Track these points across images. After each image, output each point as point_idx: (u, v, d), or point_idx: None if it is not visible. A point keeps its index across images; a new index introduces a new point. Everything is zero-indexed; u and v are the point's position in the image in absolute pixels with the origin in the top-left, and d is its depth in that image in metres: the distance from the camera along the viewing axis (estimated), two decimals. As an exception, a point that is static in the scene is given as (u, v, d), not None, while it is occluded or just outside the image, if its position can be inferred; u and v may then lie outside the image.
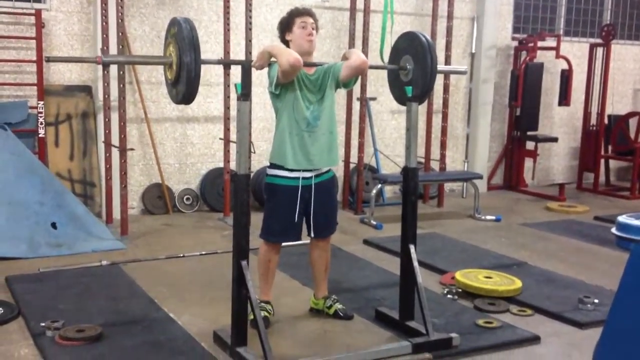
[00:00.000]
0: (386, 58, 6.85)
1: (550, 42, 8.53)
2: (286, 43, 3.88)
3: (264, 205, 4.03)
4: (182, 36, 3.21)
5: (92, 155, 6.60)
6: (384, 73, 7.77)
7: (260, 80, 7.11)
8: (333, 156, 3.95)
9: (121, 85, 5.77)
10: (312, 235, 3.99)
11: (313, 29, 3.83)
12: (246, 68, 3.40)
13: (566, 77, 8.44)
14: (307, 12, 3.86)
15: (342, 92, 7.52)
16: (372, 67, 3.98)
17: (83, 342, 3.61)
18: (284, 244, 4.08)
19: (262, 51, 3.66)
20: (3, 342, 3.66)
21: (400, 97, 4.06)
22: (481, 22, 8.31)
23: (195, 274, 4.99)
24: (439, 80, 7.67)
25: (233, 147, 5.39)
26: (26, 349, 3.61)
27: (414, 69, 3.91)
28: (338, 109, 7.54)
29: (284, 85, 3.72)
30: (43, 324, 3.74)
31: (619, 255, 5.66)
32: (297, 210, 3.85)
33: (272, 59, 3.64)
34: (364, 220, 6.81)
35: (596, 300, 4.30)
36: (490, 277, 4.69)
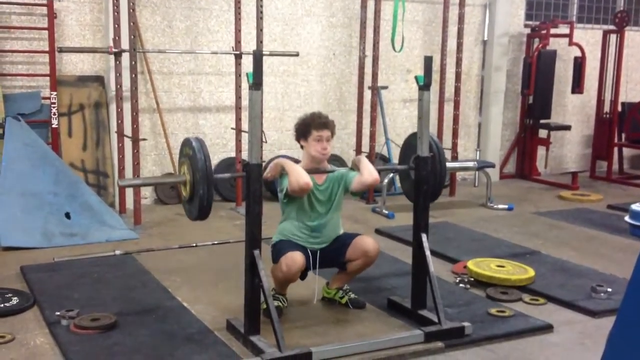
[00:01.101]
0: (397, 46, 6.88)
1: (563, 29, 8.46)
2: (300, 145, 3.95)
3: (273, 259, 3.91)
4: (197, 166, 3.34)
5: (104, 145, 6.63)
6: (395, 62, 7.82)
7: (272, 69, 7.14)
8: (335, 233, 4.01)
9: (133, 76, 5.79)
10: (344, 259, 3.98)
11: (328, 141, 3.87)
12: (257, 57, 3.39)
13: (579, 65, 8.38)
14: (325, 126, 3.87)
15: (353, 81, 7.51)
16: (380, 170, 4.01)
17: (98, 330, 3.64)
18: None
19: (277, 163, 3.79)
20: (19, 331, 3.70)
21: (411, 194, 4.06)
22: (493, 9, 8.25)
23: (208, 264, 5.02)
24: (451, 68, 7.65)
25: (245, 137, 5.40)
26: (42, 337, 3.65)
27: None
28: (349, 97, 7.57)
29: (293, 197, 3.81)
30: (58, 313, 3.78)
31: (632, 243, 5.64)
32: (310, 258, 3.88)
33: (284, 172, 3.74)
34: (375, 209, 6.81)
35: (609, 289, 4.29)
36: (502, 266, 4.69)
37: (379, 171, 3.91)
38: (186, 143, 3.48)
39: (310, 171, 3.77)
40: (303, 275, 3.92)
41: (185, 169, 3.47)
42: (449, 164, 3.99)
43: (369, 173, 3.83)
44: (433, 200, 4.03)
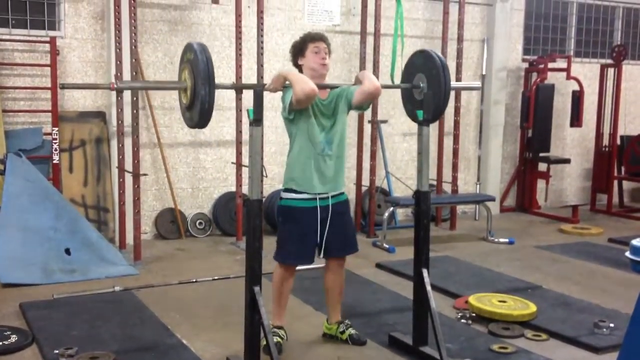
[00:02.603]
0: (397, 81, 6.92)
1: (561, 63, 8.54)
2: (299, 67, 3.91)
3: (278, 229, 4.03)
4: (198, 68, 3.23)
5: (105, 180, 6.64)
6: (395, 96, 7.84)
7: (272, 104, 7.17)
8: (341, 180, 3.97)
9: (134, 111, 5.82)
10: (326, 255, 3.97)
11: (326, 53, 3.86)
12: (258, 93, 3.41)
13: (577, 98, 8.44)
14: (320, 37, 3.89)
15: (353, 115, 7.54)
16: (385, 87, 3.97)
17: (96, 369, 3.61)
18: (298, 267, 4.07)
19: (278, 75, 3.67)
20: (17, 369, 3.67)
21: (414, 114, 4.02)
22: (491, 44, 8.33)
23: (207, 299, 4.99)
24: (450, 102, 7.66)
25: (245, 171, 5.43)
26: (40, 376, 3.61)
27: (427, 87, 3.92)
28: (349, 132, 7.58)
29: (298, 111, 3.74)
30: (57, 351, 3.75)
31: (634, 277, 5.60)
32: (316, 230, 3.85)
33: (287, 83, 3.65)
34: (376, 243, 6.79)
35: (612, 325, 4.26)
36: (504, 301, 4.66)
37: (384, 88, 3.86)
38: (188, 48, 3.37)
39: None
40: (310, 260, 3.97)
41: (186, 74, 3.35)
42: (452, 84, 3.92)
43: (369, 82, 3.77)
44: (433, 120, 3.99)
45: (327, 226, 3.88)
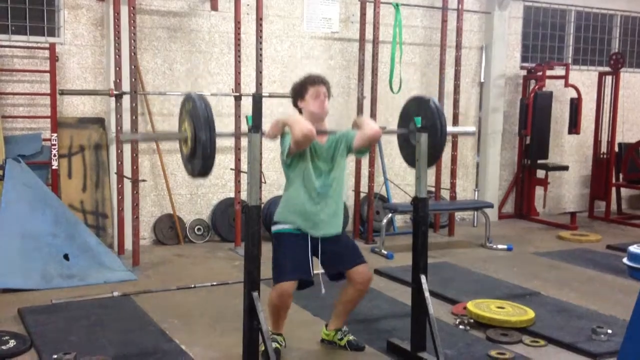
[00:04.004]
0: (395, 88, 6.95)
1: (559, 70, 8.56)
2: (298, 109, 3.91)
3: (273, 256, 3.92)
4: (198, 114, 3.25)
5: (104, 186, 6.65)
6: (394, 103, 7.88)
7: (271, 110, 7.18)
8: (338, 222, 3.94)
9: (133, 117, 5.84)
10: (330, 270, 3.95)
11: (325, 96, 3.85)
12: (257, 100, 3.43)
13: (575, 106, 8.47)
14: (320, 81, 3.86)
15: (352, 121, 7.55)
16: (384, 132, 4.00)
17: (95, 374, 3.61)
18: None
19: (277, 121, 3.69)
20: (15, 375, 3.67)
21: (410, 159, 4.07)
22: (490, 52, 8.36)
23: (206, 305, 4.99)
24: (449, 109, 7.71)
25: (244, 177, 5.44)
26: (38, 381, 3.62)
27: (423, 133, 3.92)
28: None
29: (296, 155, 3.75)
30: (55, 356, 3.74)
31: (632, 284, 5.62)
32: (309, 249, 3.82)
33: (286, 129, 3.66)
34: (374, 249, 6.80)
35: (609, 331, 4.27)
36: (502, 308, 4.66)
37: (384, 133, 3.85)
38: (187, 99, 3.39)
39: None
40: (305, 286, 3.86)
41: (186, 125, 3.36)
42: (449, 128, 3.93)
43: (369, 127, 3.75)
44: (432, 164, 4.00)
45: (320, 250, 3.88)
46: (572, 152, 9.37)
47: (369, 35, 7.18)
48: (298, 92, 3.87)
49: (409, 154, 4.07)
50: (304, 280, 3.80)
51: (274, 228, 3.92)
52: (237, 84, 6.44)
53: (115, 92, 5.90)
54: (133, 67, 5.94)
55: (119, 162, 6.01)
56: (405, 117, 4.08)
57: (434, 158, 3.97)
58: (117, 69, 5.92)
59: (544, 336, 4.33)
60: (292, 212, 3.85)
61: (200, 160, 3.27)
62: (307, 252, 3.82)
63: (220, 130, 3.30)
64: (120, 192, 6.05)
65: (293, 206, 3.84)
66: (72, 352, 3.80)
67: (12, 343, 4.04)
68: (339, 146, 3.85)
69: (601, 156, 8.89)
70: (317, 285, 3.91)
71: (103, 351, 3.93)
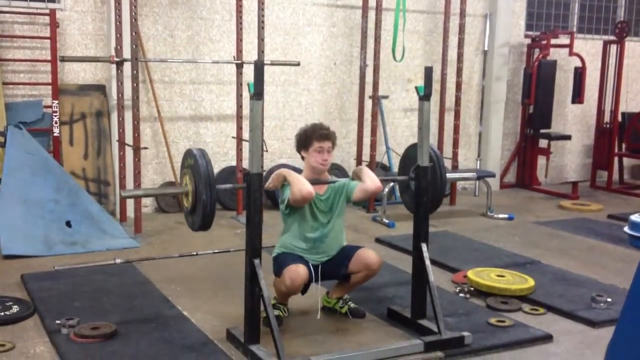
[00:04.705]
0: (398, 56, 6.90)
1: (564, 39, 8.49)
2: (301, 156, 3.95)
3: (274, 265, 3.95)
4: (199, 173, 3.35)
5: (106, 154, 6.64)
6: (397, 71, 7.84)
7: (273, 78, 7.16)
8: (338, 249, 4.00)
9: (135, 84, 5.81)
10: (347, 270, 3.97)
11: (329, 152, 3.87)
12: (259, 67, 3.41)
13: (579, 75, 8.40)
14: (326, 137, 3.86)
15: (354, 90, 7.53)
16: (382, 180, 4.03)
17: (98, 339, 3.65)
18: None
19: (279, 173, 3.77)
20: (19, 340, 3.70)
21: (410, 205, 4.09)
22: (494, 20, 8.28)
23: (208, 272, 5.02)
24: (452, 78, 7.67)
25: (245, 146, 5.42)
26: (42, 346, 3.65)
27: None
28: (350, 107, 7.60)
29: (295, 206, 3.81)
30: (58, 322, 3.78)
31: (632, 253, 5.64)
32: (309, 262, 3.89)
33: (286, 182, 3.74)
34: (376, 218, 6.81)
35: (609, 299, 4.29)
36: (502, 276, 4.69)
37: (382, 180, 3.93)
38: (188, 154, 3.50)
39: (311, 182, 3.77)
40: (304, 290, 3.90)
41: (187, 179, 3.48)
42: (448, 175, 3.99)
43: (371, 181, 3.83)
44: (433, 210, 4.05)
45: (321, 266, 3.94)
46: (575, 121, 9.33)
47: (372, 2, 7.11)
48: (302, 143, 3.90)
49: (409, 200, 4.11)
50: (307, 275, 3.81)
51: (273, 257, 3.98)
52: (239, 51, 6.39)
53: (116, 59, 5.86)
54: (134, 33, 5.88)
55: (121, 130, 5.99)
56: (406, 162, 4.11)
57: (435, 205, 4.05)
58: (118, 35, 5.87)
59: (543, 304, 4.36)
60: (289, 250, 3.92)
61: (200, 218, 3.40)
62: (307, 261, 3.87)
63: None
64: (122, 160, 6.04)
65: (291, 247, 3.92)
66: (75, 317, 3.83)
67: (15, 308, 4.08)
68: (338, 198, 3.92)
69: (604, 126, 8.85)
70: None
71: (106, 317, 3.96)
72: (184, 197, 3.53)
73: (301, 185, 3.64)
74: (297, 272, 3.71)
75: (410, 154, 4.04)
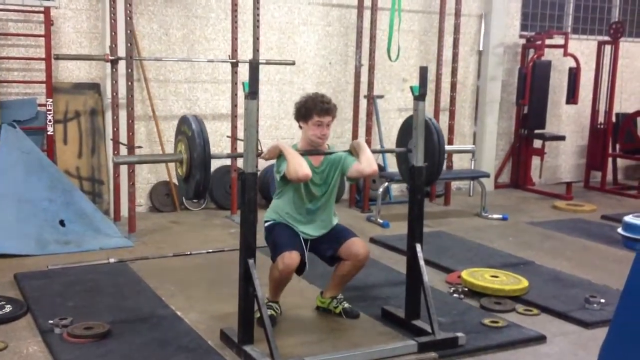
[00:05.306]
0: (393, 56, 6.90)
1: (558, 39, 8.50)
2: (299, 125, 3.92)
3: (267, 241, 3.96)
4: (196, 151, 3.31)
5: (100, 152, 6.63)
6: (392, 71, 7.84)
7: (268, 77, 7.15)
8: (328, 225, 4.01)
9: (129, 83, 5.79)
10: (337, 250, 3.96)
11: (328, 126, 3.84)
12: (254, 66, 3.40)
13: (574, 75, 8.42)
14: (327, 112, 3.81)
15: (349, 90, 7.53)
16: (379, 151, 4.00)
17: (91, 339, 3.64)
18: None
19: (275, 146, 3.74)
20: (12, 339, 3.69)
21: (407, 176, 4.09)
22: (489, 20, 8.29)
23: (202, 272, 5.01)
24: (447, 78, 7.68)
25: (240, 145, 5.41)
26: (35, 345, 3.64)
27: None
28: (345, 106, 7.59)
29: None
30: (51, 321, 3.77)
31: (626, 254, 5.65)
32: (300, 236, 3.90)
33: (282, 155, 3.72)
34: (370, 218, 6.81)
35: (602, 300, 4.30)
36: (496, 276, 4.69)
37: (376, 153, 3.89)
38: (184, 121, 3.44)
39: (308, 152, 3.76)
40: (299, 272, 3.90)
41: (182, 147, 3.42)
42: (447, 147, 3.94)
43: (368, 164, 3.79)
44: (430, 183, 4.02)
45: (310, 241, 3.96)
46: (569, 122, 9.34)
47: (367, 1, 7.10)
48: (302, 114, 3.86)
49: (406, 171, 4.10)
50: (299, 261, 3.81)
51: (266, 224, 3.98)
52: (234, 50, 6.38)
53: (110, 58, 5.84)
54: (129, 32, 5.86)
55: (115, 129, 5.97)
56: (404, 132, 4.08)
57: (432, 178, 4.02)
58: (113, 33, 5.86)
59: (537, 305, 4.37)
60: (281, 217, 3.93)
61: (192, 192, 3.39)
62: (299, 236, 3.89)
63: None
64: (116, 159, 6.02)
65: (282, 214, 3.93)
66: (69, 317, 3.82)
67: (8, 308, 4.06)
68: (334, 172, 3.91)
69: (598, 126, 8.87)
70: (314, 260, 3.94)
71: (99, 317, 3.95)
72: (178, 165, 3.50)
73: (298, 167, 3.59)
74: (291, 257, 3.72)
75: (410, 123, 3.99)
